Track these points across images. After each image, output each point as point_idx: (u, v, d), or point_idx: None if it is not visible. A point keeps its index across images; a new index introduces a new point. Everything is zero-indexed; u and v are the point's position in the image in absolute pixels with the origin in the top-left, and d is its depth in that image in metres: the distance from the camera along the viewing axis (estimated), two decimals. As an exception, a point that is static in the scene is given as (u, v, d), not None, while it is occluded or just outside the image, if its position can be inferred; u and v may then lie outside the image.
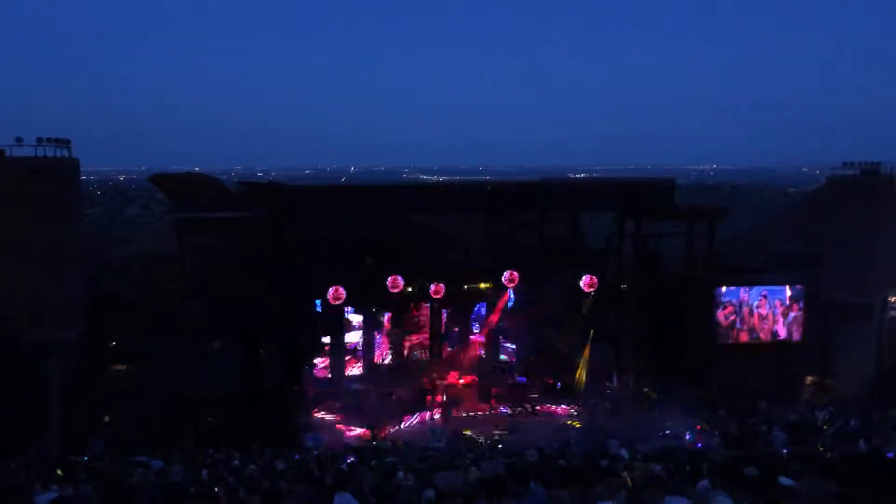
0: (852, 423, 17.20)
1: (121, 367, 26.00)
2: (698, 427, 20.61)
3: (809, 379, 30.49)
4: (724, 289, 28.36)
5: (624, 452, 13.96)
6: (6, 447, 18.44)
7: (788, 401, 26.84)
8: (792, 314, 28.91)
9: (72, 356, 24.08)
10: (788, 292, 28.89)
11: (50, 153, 24.32)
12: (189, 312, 25.75)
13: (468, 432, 25.62)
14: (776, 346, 28.70)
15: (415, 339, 31.33)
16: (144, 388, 24.66)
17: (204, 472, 14.88)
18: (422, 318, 31.17)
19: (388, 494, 9.70)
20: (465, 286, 30.81)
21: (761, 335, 28.63)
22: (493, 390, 29.58)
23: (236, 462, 17.23)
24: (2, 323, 22.51)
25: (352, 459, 16.78)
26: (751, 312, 28.78)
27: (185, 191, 32.92)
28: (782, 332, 28.73)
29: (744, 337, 28.54)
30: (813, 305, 29.24)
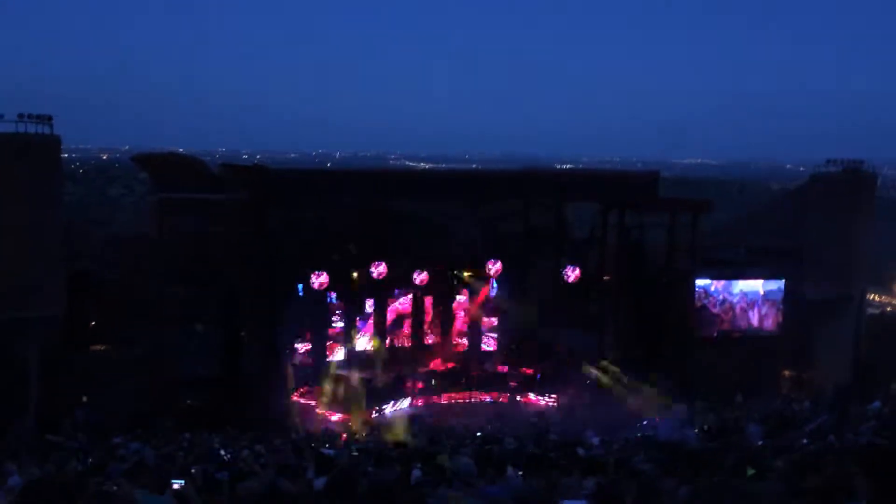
0: (826, 417, 17.39)
1: (99, 348, 25.81)
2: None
3: (787, 372, 30.82)
4: (704, 281, 28.60)
5: (596, 441, 14.07)
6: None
7: (766, 394, 27.13)
8: (771, 308, 29.18)
9: (49, 336, 23.84)
10: (768, 286, 29.14)
11: (31, 129, 23.96)
12: (169, 294, 25.58)
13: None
14: (754, 339, 29.00)
15: (397, 326, 31.35)
16: (123, 370, 24.49)
17: (180, 454, 14.85)
18: (404, 308, 31.17)
19: (369, 480, 9.70)
20: (449, 274, 30.85)
21: (740, 328, 28.88)
22: (474, 378, 29.68)
23: (215, 445, 17.21)
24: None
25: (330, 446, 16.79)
26: (730, 305, 29.04)
27: (167, 171, 32.52)
28: (761, 325, 28.99)
29: (723, 329, 28.77)
30: (792, 299, 29.54)
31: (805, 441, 13.98)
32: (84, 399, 23.95)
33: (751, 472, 7.41)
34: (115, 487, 4.73)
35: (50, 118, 24.41)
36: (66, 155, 35.00)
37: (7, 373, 21.92)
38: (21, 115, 23.71)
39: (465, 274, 30.96)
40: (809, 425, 16.14)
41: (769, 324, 29.65)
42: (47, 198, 25.07)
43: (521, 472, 9.44)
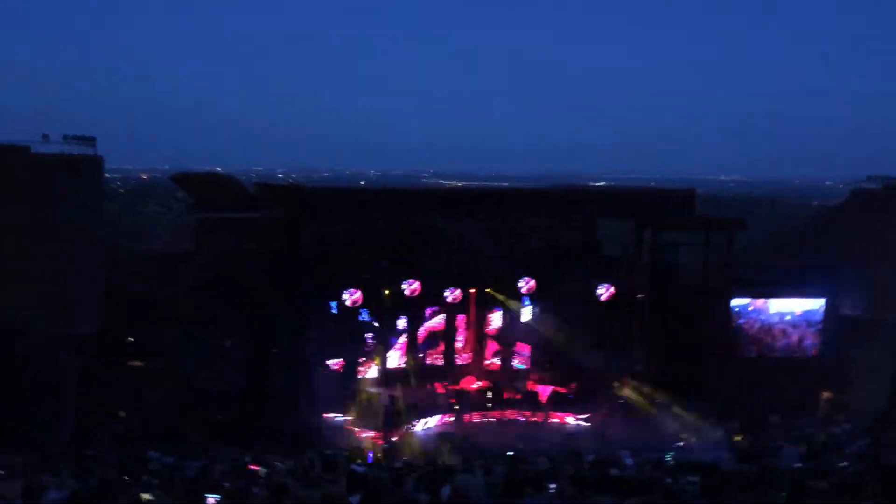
0: (866, 441, 17.03)
1: (135, 362, 26.24)
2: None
3: (825, 394, 30.16)
4: (740, 301, 28.20)
5: (630, 461, 13.95)
6: (21, 440, 18.68)
7: (803, 416, 26.61)
8: (809, 329, 28.66)
9: (87, 351, 24.33)
10: (806, 305, 28.64)
11: (75, 151, 24.60)
12: (203, 311, 25.95)
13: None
14: (792, 359, 28.48)
15: (430, 344, 31.38)
16: (157, 384, 24.87)
17: (217, 467, 15.02)
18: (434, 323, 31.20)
19: (400, 496, 9.74)
20: (481, 292, 30.84)
21: (777, 349, 28.39)
22: (506, 397, 29.56)
23: (247, 459, 17.37)
24: (19, 317, 22.78)
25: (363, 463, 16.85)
26: (767, 327, 28.59)
27: (205, 190, 33.14)
28: (799, 347, 28.47)
29: (759, 350, 28.30)
30: (831, 320, 28.97)
31: (845, 464, 13.72)
32: (122, 413, 24.35)
33: (784, 494, 7.31)
34: (149, 497, 4.84)
35: (93, 139, 25.03)
36: (108, 175, 35.75)
37: (46, 387, 22.38)
38: (66, 137, 24.37)
39: (497, 293, 30.92)
40: (849, 449, 15.81)
41: (807, 345, 29.09)
42: (90, 217, 25.67)
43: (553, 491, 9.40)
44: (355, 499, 8.62)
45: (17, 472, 14.12)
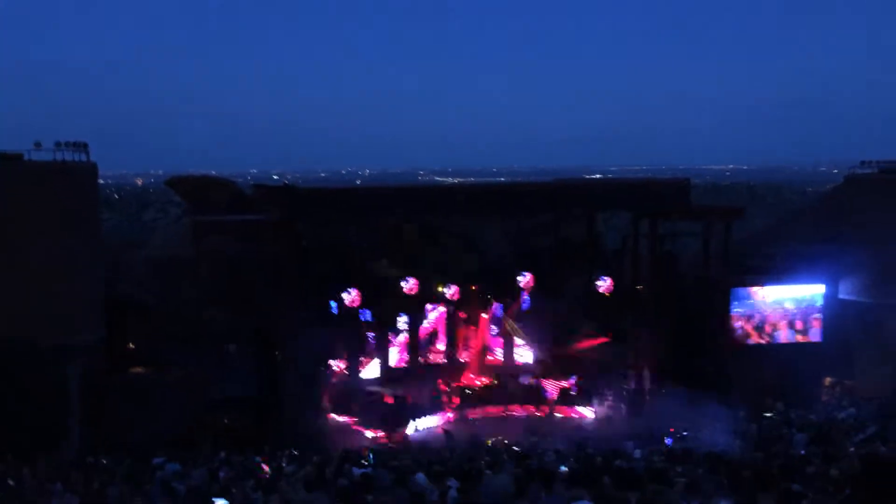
0: (873, 427, 17.04)
1: (139, 370, 26.18)
2: None
3: (828, 380, 30.19)
4: (741, 289, 28.20)
5: (637, 453, 13.90)
6: (27, 451, 18.60)
7: (807, 402, 26.61)
8: (810, 314, 28.66)
9: (90, 361, 24.25)
10: (806, 292, 28.63)
11: (68, 157, 24.50)
12: (205, 316, 25.91)
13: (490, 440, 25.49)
14: (794, 346, 28.47)
15: (431, 342, 31.35)
16: (162, 392, 24.82)
17: (221, 474, 14.96)
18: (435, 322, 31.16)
19: (407, 496, 9.69)
20: (481, 289, 30.79)
21: (780, 336, 28.39)
22: (509, 392, 29.54)
23: (254, 464, 17.32)
24: (20, 328, 22.71)
25: (367, 463, 16.80)
26: (768, 313, 28.57)
27: (201, 194, 33.08)
28: (800, 333, 28.47)
29: (762, 337, 28.30)
30: (832, 305, 28.96)
31: (852, 449, 13.71)
32: (128, 422, 24.29)
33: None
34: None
35: (86, 145, 24.96)
36: (102, 181, 35.69)
37: (50, 397, 22.32)
38: (59, 143, 24.28)
39: (497, 288, 30.87)
40: (858, 436, 15.80)
41: (809, 331, 29.10)
42: (86, 224, 25.60)
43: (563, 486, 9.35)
44: (362, 499, 8.59)
45: (26, 483, 14.06)
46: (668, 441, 19.96)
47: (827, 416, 23.58)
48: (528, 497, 7.77)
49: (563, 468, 11.21)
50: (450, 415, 28.53)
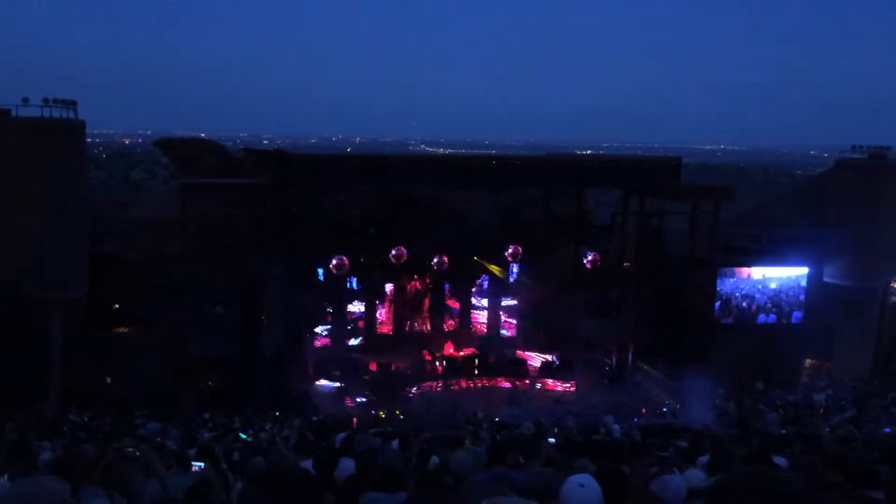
0: (849, 410, 17.28)
1: (122, 328, 26.14)
2: None
3: (809, 362, 30.55)
4: (727, 268, 28.38)
5: (616, 427, 14.05)
6: (6, 405, 18.61)
7: (787, 382, 26.94)
8: (793, 296, 28.90)
9: (73, 317, 24.20)
10: (791, 274, 28.86)
11: (56, 114, 24.23)
12: (191, 276, 25.81)
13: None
14: (776, 327, 28.75)
15: (417, 311, 31.42)
16: (145, 350, 24.81)
17: (205, 434, 15.03)
18: (422, 292, 31.21)
19: (389, 463, 9.73)
20: (468, 259, 30.82)
21: (762, 316, 28.64)
22: (492, 364, 29.73)
23: (236, 426, 17.41)
24: (4, 282, 22.60)
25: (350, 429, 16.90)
26: (752, 293, 28.79)
27: (189, 156, 32.79)
28: (783, 314, 28.74)
29: (744, 317, 28.54)
30: (816, 288, 29.22)
31: (826, 430, 13.90)
32: (108, 380, 24.31)
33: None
34: (136, 452, 4.79)
35: (74, 103, 24.67)
36: (90, 139, 35.36)
37: (31, 351, 22.28)
38: (46, 100, 23.99)
39: (484, 261, 30.91)
40: (833, 418, 16.03)
41: (791, 313, 29.37)
42: (73, 181, 25.41)
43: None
44: (349, 464, 8.62)
45: (8, 437, 14.07)
46: (646, 416, 20.21)
47: (805, 396, 23.91)
48: (507, 464, 7.81)
49: (552, 440, 11.31)
50: (433, 384, 28.69)
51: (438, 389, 28.45)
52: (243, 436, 17.22)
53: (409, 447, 10.44)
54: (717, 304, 28.27)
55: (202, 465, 7.66)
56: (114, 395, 23.11)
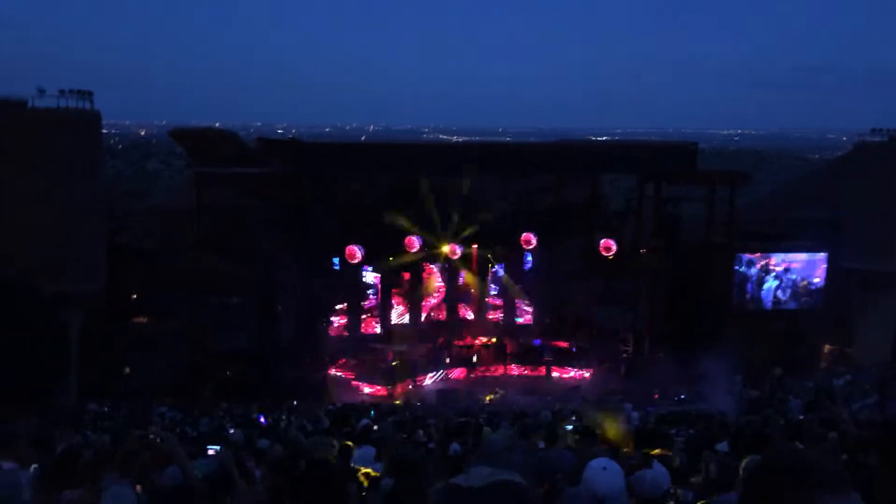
0: (872, 394, 17.10)
1: (140, 319, 26.29)
2: None
3: (828, 347, 30.28)
4: (744, 255, 28.15)
5: (635, 414, 13.97)
6: (26, 397, 18.77)
7: (806, 368, 26.73)
8: (812, 281, 28.64)
9: (91, 309, 24.34)
10: (809, 258, 28.59)
11: (72, 105, 24.30)
12: (207, 267, 25.91)
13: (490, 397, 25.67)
14: (794, 312, 28.52)
15: (432, 300, 31.38)
16: (163, 341, 24.95)
17: (229, 425, 15.10)
18: (437, 281, 31.16)
19: (407, 451, 9.72)
20: (483, 248, 30.71)
21: (780, 302, 28.42)
22: (509, 352, 29.69)
23: (255, 415, 17.48)
24: (23, 275, 22.74)
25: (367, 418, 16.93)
26: (771, 279, 28.56)
27: (204, 146, 32.85)
28: (802, 300, 28.51)
29: (762, 303, 28.33)
30: (834, 272, 28.93)
31: (846, 416, 13.75)
32: (127, 370, 24.49)
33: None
34: (158, 439, 4.82)
35: (90, 93, 24.72)
36: (106, 130, 35.50)
37: (50, 344, 22.44)
38: (62, 91, 24.07)
39: (500, 248, 30.78)
40: (856, 403, 15.87)
41: (810, 298, 29.11)
42: (88, 172, 25.48)
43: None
44: (368, 450, 8.63)
45: (28, 427, 14.19)
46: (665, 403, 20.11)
47: (824, 382, 23.69)
48: (528, 448, 7.79)
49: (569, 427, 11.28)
50: (449, 372, 28.72)
51: (454, 377, 28.50)
52: (258, 417, 17.32)
53: (430, 436, 10.44)
54: (735, 289, 28.06)
55: (218, 447, 7.69)
56: (132, 386, 23.27)
